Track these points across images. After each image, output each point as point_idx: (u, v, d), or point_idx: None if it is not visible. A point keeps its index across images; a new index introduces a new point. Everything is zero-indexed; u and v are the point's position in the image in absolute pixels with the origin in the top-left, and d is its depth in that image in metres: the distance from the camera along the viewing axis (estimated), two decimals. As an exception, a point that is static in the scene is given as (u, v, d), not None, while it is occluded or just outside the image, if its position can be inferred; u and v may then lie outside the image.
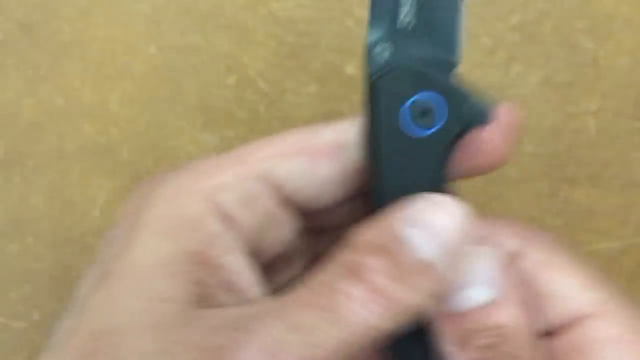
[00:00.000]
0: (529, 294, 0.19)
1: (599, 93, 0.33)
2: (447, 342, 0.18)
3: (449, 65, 0.20)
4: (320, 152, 0.19)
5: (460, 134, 0.19)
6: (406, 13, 0.20)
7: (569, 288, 0.19)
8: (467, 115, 0.19)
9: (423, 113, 0.19)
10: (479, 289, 0.18)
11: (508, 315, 0.17)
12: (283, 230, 0.20)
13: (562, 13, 0.33)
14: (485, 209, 0.33)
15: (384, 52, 0.19)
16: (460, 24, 0.20)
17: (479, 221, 0.18)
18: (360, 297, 0.16)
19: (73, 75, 0.35)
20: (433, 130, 0.19)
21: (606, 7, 0.33)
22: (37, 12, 0.34)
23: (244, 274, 0.19)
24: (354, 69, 0.33)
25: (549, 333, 0.19)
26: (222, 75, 0.34)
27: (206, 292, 0.18)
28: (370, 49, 0.19)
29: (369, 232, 0.17)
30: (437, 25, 0.20)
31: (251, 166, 0.19)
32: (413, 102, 0.19)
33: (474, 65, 0.33)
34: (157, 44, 0.34)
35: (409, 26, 0.19)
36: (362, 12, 0.34)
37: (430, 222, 0.17)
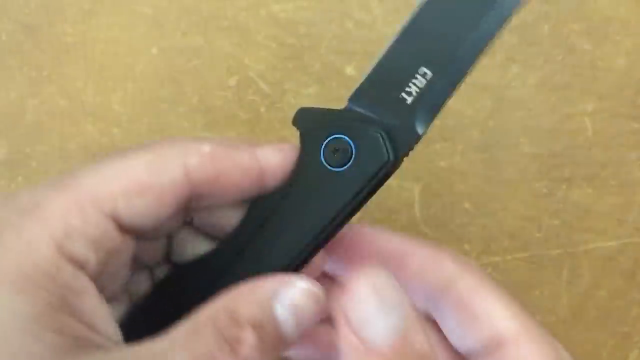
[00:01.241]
0: (460, 315, 0.21)
1: (596, 94, 0.34)
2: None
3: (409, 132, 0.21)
4: (165, 192, 0.20)
5: (376, 175, 0.21)
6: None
7: (495, 313, 0.21)
8: (371, 157, 0.21)
9: (337, 151, 0.21)
10: (385, 314, 0.18)
11: (423, 344, 0.18)
12: (125, 258, 0.21)
13: (559, 15, 0.34)
14: (483, 209, 0.34)
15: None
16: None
17: (423, 247, 0.22)
18: None
19: (76, 76, 0.35)
20: (346, 167, 0.21)
21: (603, 9, 0.34)
22: (41, 14, 0.35)
23: (101, 313, 0.19)
24: (354, 70, 0.34)
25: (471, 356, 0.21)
26: (223, 77, 0.34)
27: (77, 342, 0.18)
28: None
29: (249, 305, 0.19)
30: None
31: (98, 205, 0.19)
32: (329, 141, 0.21)
33: (473, 67, 0.33)
34: (159, 46, 0.34)
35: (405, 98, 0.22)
36: (362, 14, 0.34)
37: (299, 306, 0.19)
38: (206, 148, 0.21)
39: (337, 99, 0.33)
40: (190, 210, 0.22)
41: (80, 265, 0.19)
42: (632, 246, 0.34)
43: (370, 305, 0.18)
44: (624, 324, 0.34)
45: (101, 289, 0.20)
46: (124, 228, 0.20)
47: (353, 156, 0.21)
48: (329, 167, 0.21)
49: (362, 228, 0.23)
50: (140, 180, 0.20)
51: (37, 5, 0.35)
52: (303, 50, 0.34)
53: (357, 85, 0.22)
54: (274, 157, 0.21)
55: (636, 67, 0.34)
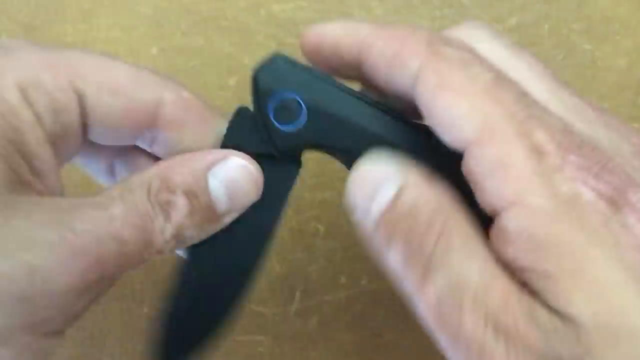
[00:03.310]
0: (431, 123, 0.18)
1: (596, 94, 0.34)
2: (378, 251, 0.18)
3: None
4: (139, 110, 0.21)
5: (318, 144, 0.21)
6: None
7: (457, 114, 0.17)
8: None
9: (286, 110, 0.20)
10: (383, 187, 0.18)
11: (422, 197, 0.17)
12: (77, 140, 0.21)
13: (559, 15, 0.34)
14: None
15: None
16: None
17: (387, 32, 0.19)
18: (165, 229, 0.19)
19: (76, 76, 0.35)
20: (293, 128, 0.20)
21: (603, 9, 0.34)
22: (41, 14, 0.35)
23: (51, 164, 0.20)
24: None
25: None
26: (223, 76, 0.34)
27: (22, 179, 0.19)
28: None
29: (183, 173, 0.20)
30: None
31: (72, 79, 0.20)
32: (280, 99, 0.20)
33: (473, 67, 0.33)
34: (159, 46, 0.34)
35: None
36: (362, 14, 0.34)
37: (233, 180, 0.20)
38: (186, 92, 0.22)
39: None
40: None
41: (37, 116, 0.19)
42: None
43: (359, 193, 0.18)
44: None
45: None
46: (84, 112, 0.20)
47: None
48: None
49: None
50: (120, 83, 0.21)
51: (37, 5, 0.35)
52: (303, 50, 0.34)
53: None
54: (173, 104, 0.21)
55: (636, 67, 0.34)
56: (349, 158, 0.20)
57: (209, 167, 0.20)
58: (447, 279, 0.16)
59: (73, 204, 0.18)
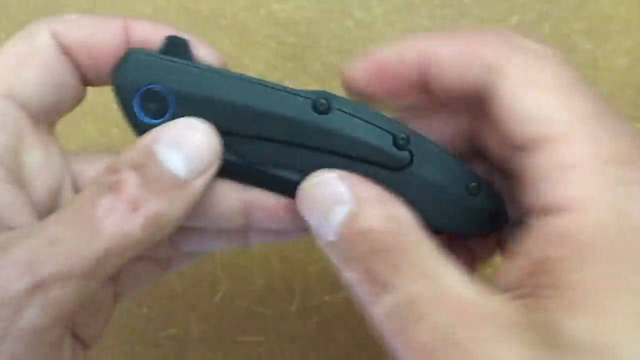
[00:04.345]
0: (492, 113, 0.18)
1: (597, 94, 0.34)
2: (337, 265, 0.18)
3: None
4: (41, 58, 0.20)
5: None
6: None
7: (540, 108, 0.17)
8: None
9: (154, 103, 0.19)
10: (337, 208, 0.18)
11: (374, 219, 0.18)
12: (31, 137, 0.20)
13: (560, 14, 0.33)
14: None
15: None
16: None
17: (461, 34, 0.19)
18: (116, 208, 0.17)
19: (75, 76, 0.35)
20: (162, 119, 0.19)
21: (604, 8, 0.33)
22: (39, 13, 0.34)
23: (11, 202, 0.19)
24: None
25: (518, 149, 0.18)
26: (223, 76, 0.34)
27: None
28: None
29: (126, 153, 0.18)
30: None
31: None
32: (144, 93, 0.19)
33: (473, 66, 0.33)
34: (159, 45, 0.34)
35: None
36: (362, 13, 0.34)
37: (182, 141, 0.19)
38: (72, 16, 0.21)
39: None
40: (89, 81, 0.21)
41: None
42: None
43: (312, 213, 0.18)
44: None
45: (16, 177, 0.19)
46: (26, 108, 0.20)
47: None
48: None
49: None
50: (18, 52, 0.20)
51: (37, 5, 0.35)
52: (303, 49, 0.34)
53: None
54: (143, 29, 0.21)
55: (637, 66, 0.33)
56: (234, 138, 0.20)
57: (153, 139, 0.19)
58: (397, 297, 0.16)
59: (13, 236, 0.17)
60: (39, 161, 0.20)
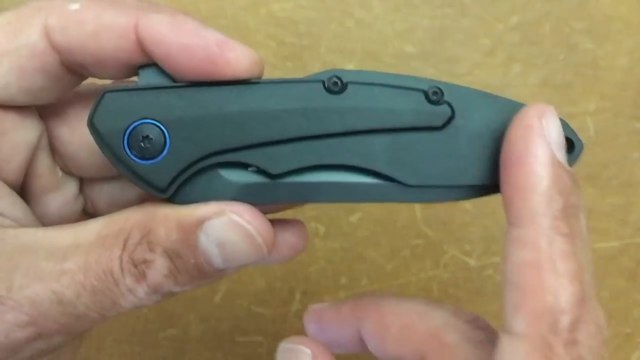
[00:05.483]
0: None
1: (597, 93, 0.33)
2: None
3: None
4: (22, 57, 0.18)
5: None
6: None
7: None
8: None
9: (145, 141, 0.17)
10: None
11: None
12: (13, 137, 0.19)
13: (561, 14, 0.33)
14: (484, 209, 0.33)
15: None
16: None
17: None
18: (136, 290, 0.17)
19: (74, 76, 0.35)
20: (156, 160, 0.17)
21: (605, 8, 0.33)
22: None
23: (9, 202, 0.18)
24: (354, 69, 0.34)
25: None
26: (223, 76, 0.34)
27: None
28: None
29: (165, 230, 0.17)
30: None
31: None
32: (133, 129, 0.17)
33: (474, 66, 0.33)
34: (158, 45, 0.34)
35: None
36: (363, 12, 0.34)
37: (229, 240, 0.17)
38: (73, 6, 0.17)
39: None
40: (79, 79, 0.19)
41: None
42: (634, 247, 0.34)
43: None
44: (626, 325, 0.34)
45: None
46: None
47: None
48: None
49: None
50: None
51: (35, 4, 0.35)
52: (303, 49, 0.34)
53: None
54: (158, 24, 0.17)
55: (638, 66, 0.33)
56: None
57: (200, 222, 0.17)
58: None
59: (26, 246, 0.17)
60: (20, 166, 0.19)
